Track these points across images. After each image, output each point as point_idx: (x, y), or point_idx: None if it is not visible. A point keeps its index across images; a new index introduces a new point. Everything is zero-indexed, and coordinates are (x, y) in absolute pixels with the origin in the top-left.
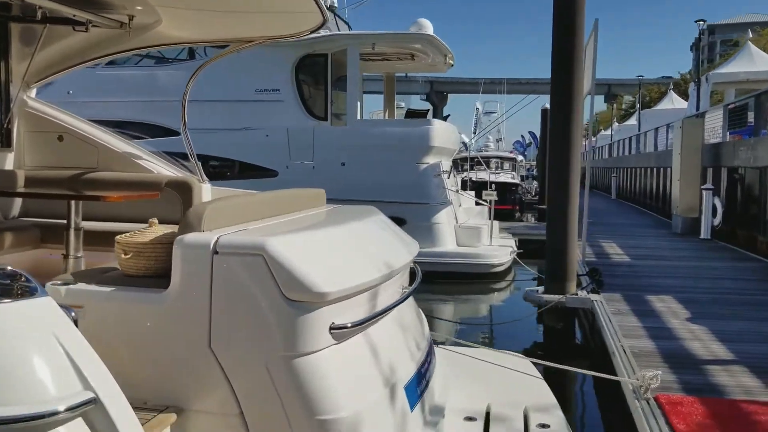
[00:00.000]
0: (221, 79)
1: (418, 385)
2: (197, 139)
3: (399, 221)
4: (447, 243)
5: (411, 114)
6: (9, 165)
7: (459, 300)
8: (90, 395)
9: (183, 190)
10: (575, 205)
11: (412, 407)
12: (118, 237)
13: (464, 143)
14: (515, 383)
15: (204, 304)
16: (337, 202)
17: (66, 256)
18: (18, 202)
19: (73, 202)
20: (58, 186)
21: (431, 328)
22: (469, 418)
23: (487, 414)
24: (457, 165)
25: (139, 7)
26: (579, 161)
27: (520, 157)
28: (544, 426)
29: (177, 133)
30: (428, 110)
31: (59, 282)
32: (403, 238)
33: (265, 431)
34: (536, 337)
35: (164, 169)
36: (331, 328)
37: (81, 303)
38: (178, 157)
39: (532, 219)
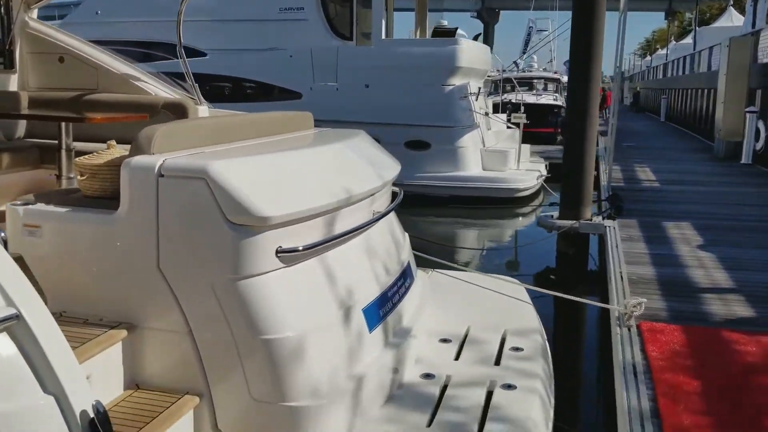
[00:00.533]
0: None
1: (381, 308)
2: (222, 59)
3: (423, 145)
4: (471, 167)
5: (438, 33)
6: (13, 86)
7: (479, 225)
8: (12, 311)
9: (178, 112)
10: (593, 129)
11: (371, 329)
12: (76, 159)
13: (515, 63)
14: (501, 308)
15: (151, 227)
16: (360, 126)
17: (59, 177)
18: (23, 123)
19: (63, 124)
20: (57, 107)
21: (445, 253)
22: (444, 340)
23: (465, 337)
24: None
25: None
26: (598, 83)
27: (565, 78)
28: (517, 349)
29: (204, 54)
30: (479, 34)
31: (19, 202)
32: (379, 163)
33: (213, 349)
34: (549, 263)
35: (162, 91)
36: (278, 252)
37: (38, 223)
38: (204, 77)
39: None
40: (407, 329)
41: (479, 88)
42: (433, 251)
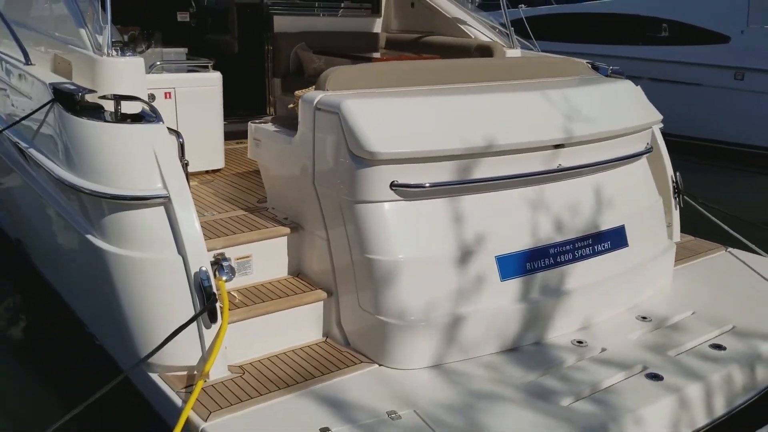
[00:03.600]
0: None
1: (528, 261)
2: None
3: None
4: None
5: None
6: (377, 29)
7: None
8: (165, 192)
9: (486, 53)
10: None
11: (504, 278)
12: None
13: None
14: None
15: (309, 150)
16: None
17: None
18: None
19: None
20: (404, 47)
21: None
22: (643, 318)
23: (679, 324)
24: None
25: None
26: None
27: None
28: (718, 347)
29: None
30: None
31: (257, 121)
32: (599, 116)
33: (341, 259)
34: None
35: (482, 35)
36: (392, 185)
37: (260, 137)
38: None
39: None
40: (574, 291)
41: None
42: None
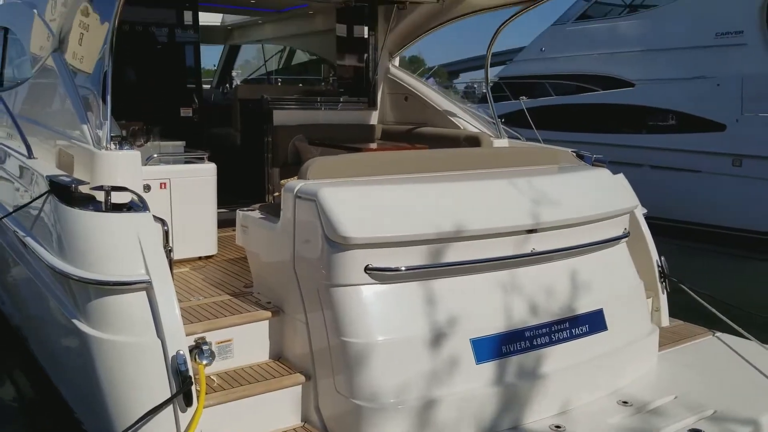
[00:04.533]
0: (676, 25)
1: (503, 344)
2: (647, 90)
3: None
4: None
5: None
6: (373, 120)
7: None
8: (147, 278)
9: (472, 143)
10: None
11: (479, 360)
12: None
13: None
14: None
15: (291, 236)
16: None
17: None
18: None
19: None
20: (397, 138)
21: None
22: (624, 403)
23: (660, 408)
24: None
25: None
26: None
27: None
28: None
29: (631, 84)
30: None
31: (245, 209)
32: (573, 202)
33: (318, 342)
34: None
35: (471, 125)
36: (366, 269)
37: (247, 224)
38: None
39: None
40: (551, 375)
41: None
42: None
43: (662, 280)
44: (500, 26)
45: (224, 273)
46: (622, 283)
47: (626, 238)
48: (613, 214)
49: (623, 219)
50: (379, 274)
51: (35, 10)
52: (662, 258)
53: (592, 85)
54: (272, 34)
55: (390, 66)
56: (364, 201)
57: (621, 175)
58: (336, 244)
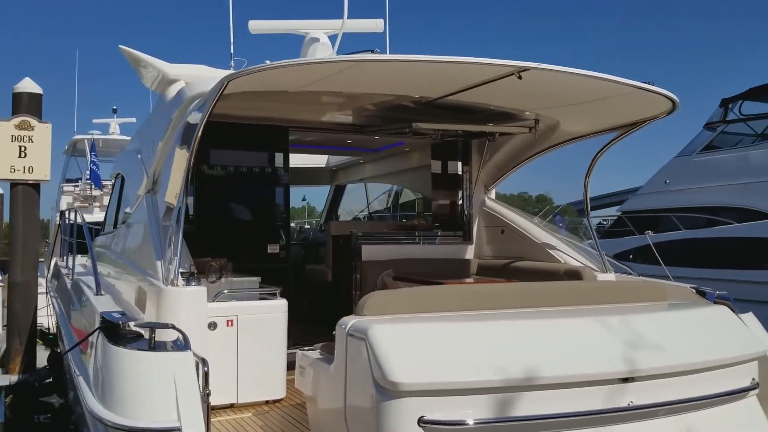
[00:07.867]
0: None
1: None
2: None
3: None
4: None
5: None
6: (469, 255)
7: None
8: (177, 424)
9: (574, 277)
10: None
11: None
12: None
13: None
14: None
15: (342, 380)
16: None
17: None
18: None
19: None
20: (495, 272)
21: None
22: None
23: None
24: None
25: (538, 114)
26: None
27: None
28: None
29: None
30: None
31: (306, 348)
32: (677, 346)
33: None
34: None
35: (572, 259)
36: (420, 421)
37: (304, 365)
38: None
39: None
40: None
41: None
42: None
43: None
44: (597, 154)
45: (286, 421)
46: None
47: (755, 390)
48: (735, 360)
49: (750, 366)
50: (435, 429)
51: (139, 156)
52: None
53: (725, 218)
54: (371, 173)
55: (486, 199)
56: (421, 340)
57: (750, 314)
58: (386, 390)
